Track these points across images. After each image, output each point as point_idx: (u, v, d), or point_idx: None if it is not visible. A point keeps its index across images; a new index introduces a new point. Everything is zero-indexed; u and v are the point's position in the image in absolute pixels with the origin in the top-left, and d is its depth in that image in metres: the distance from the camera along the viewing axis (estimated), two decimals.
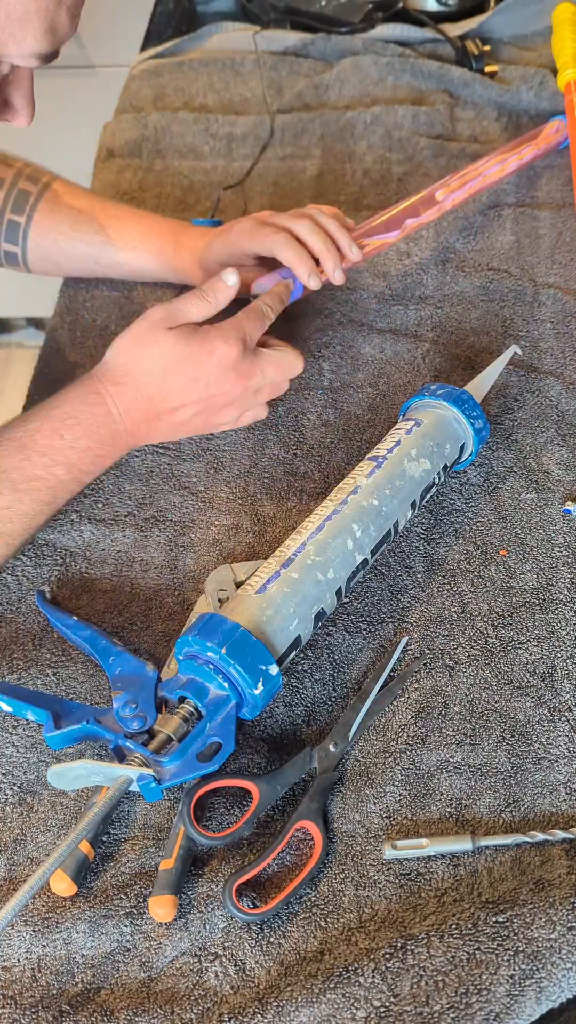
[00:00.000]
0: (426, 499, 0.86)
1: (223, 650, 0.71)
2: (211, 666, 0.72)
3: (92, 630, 0.80)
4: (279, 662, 0.74)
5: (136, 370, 0.85)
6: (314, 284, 0.93)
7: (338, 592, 0.78)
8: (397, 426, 0.87)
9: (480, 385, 0.92)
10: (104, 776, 0.70)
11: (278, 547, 0.85)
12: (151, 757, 0.71)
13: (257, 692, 0.72)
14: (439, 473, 0.85)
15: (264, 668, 0.72)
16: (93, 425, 0.84)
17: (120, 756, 0.73)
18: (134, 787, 0.70)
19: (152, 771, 0.70)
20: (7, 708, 0.76)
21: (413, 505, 0.84)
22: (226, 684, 0.72)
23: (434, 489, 0.86)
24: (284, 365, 0.89)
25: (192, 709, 0.73)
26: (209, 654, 0.72)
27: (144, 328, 0.86)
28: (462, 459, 0.89)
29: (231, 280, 0.88)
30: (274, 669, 0.72)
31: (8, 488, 0.80)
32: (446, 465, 0.86)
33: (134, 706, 0.74)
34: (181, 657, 0.74)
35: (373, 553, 0.81)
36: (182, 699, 0.73)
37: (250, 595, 0.75)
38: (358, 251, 0.97)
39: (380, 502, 0.81)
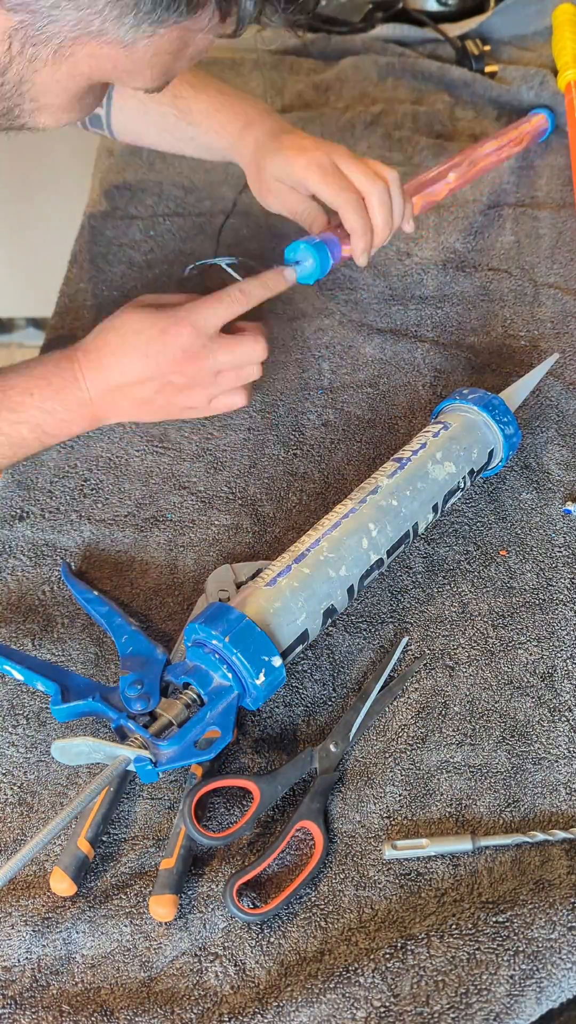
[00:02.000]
0: (450, 503, 0.85)
1: (227, 639, 0.71)
2: (216, 655, 0.73)
3: (110, 607, 0.82)
4: (284, 655, 0.74)
5: (101, 341, 0.88)
6: (363, 261, 0.92)
7: (350, 590, 0.78)
8: (425, 429, 0.87)
9: (515, 392, 0.91)
10: (104, 754, 0.71)
11: (278, 547, 0.85)
12: (150, 739, 0.71)
13: (259, 682, 0.72)
14: (465, 478, 0.85)
15: (267, 659, 0.72)
16: (61, 388, 0.87)
17: (121, 735, 0.73)
18: (132, 767, 0.71)
19: (150, 753, 0.70)
20: (18, 676, 0.77)
21: (435, 508, 0.83)
22: (229, 674, 0.72)
23: (459, 493, 0.85)
24: (240, 351, 0.88)
25: (195, 696, 0.73)
26: (214, 642, 0.72)
27: (126, 306, 0.90)
28: (491, 465, 0.88)
29: (253, 293, 0.88)
30: (277, 661, 0.73)
31: None
32: (473, 470, 0.86)
33: (139, 687, 0.74)
34: (189, 644, 0.75)
35: (390, 554, 0.81)
36: (186, 685, 0.74)
37: (260, 587, 0.76)
38: (412, 226, 0.96)
39: (399, 503, 0.81)
